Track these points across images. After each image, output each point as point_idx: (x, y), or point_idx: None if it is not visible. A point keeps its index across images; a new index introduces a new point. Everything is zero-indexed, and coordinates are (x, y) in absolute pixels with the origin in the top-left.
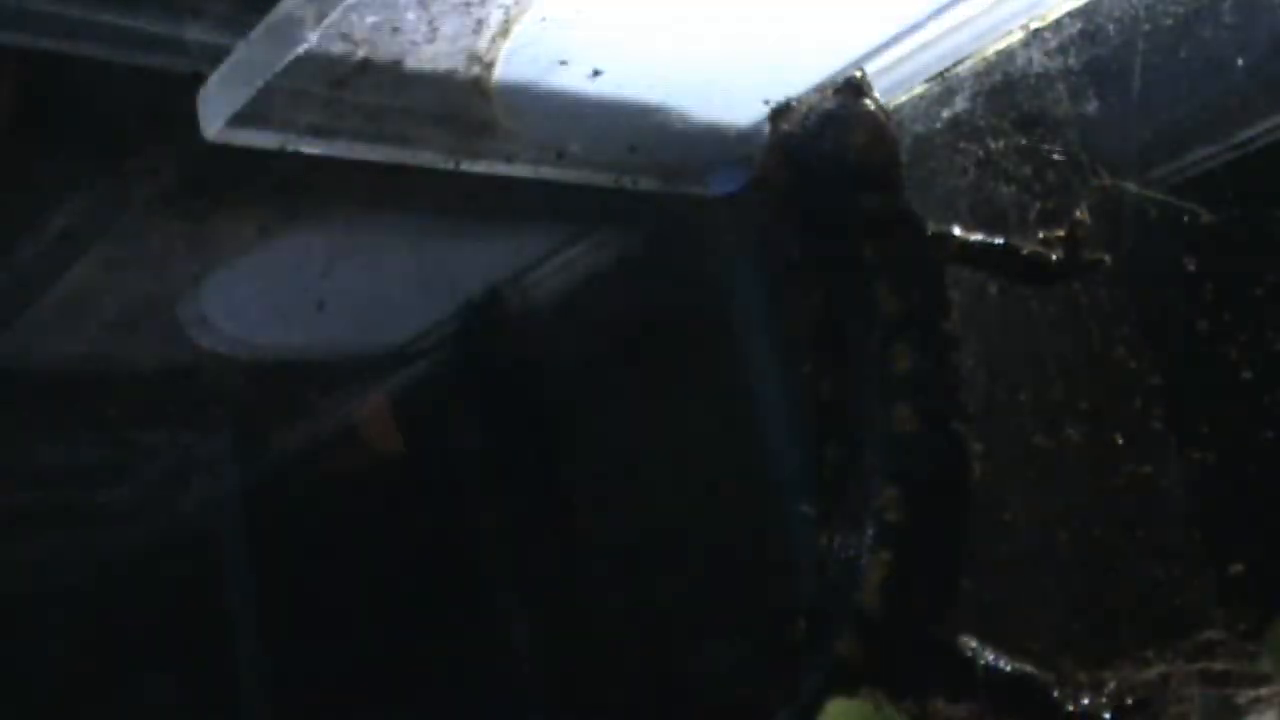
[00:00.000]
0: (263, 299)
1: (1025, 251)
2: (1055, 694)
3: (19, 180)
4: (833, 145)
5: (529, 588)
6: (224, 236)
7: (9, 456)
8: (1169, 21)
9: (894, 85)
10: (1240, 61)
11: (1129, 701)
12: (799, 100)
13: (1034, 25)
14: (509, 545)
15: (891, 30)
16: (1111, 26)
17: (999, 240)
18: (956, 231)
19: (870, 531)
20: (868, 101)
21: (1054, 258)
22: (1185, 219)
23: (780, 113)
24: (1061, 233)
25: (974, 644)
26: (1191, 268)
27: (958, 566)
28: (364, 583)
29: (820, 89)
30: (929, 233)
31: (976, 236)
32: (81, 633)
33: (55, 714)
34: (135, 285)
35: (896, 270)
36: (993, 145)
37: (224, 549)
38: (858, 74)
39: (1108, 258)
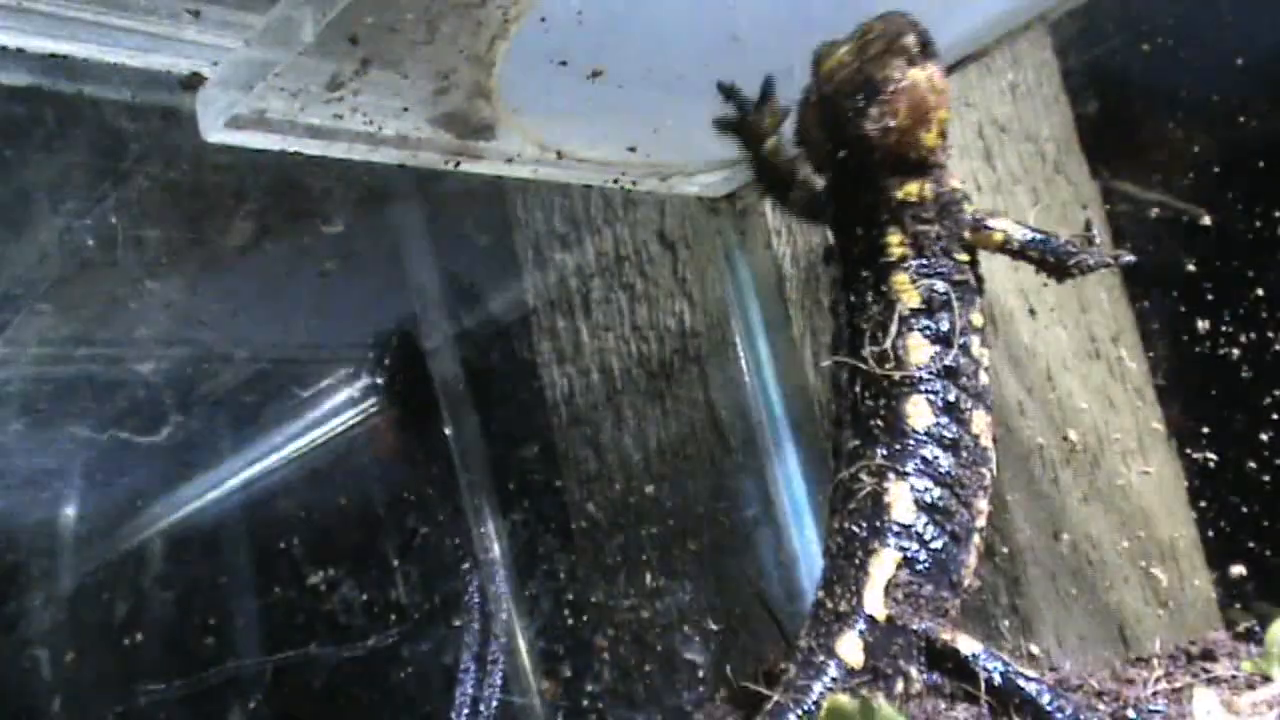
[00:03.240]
0: (262, 298)
1: (1061, 242)
2: (1054, 695)
3: (18, 181)
4: (872, 119)
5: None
6: (223, 237)
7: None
8: None
9: None
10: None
11: (1129, 703)
12: (847, 45)
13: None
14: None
15: None
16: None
17: (1037, 231)
18: (994, 219)
19: (878, 529)
20: (916, 71)
21: (1081, 250)
22: (1185, 218)
23: (824, 60)
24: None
25: (974, 645)
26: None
27: (963, 566)
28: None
29: (872, 34)
30: (966, 216)
31: (1012, 223)
32: None
33: None
34: (134, 286)
35: (921, 258)
36: None
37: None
38: (912, 33)
39: (1129, 254)
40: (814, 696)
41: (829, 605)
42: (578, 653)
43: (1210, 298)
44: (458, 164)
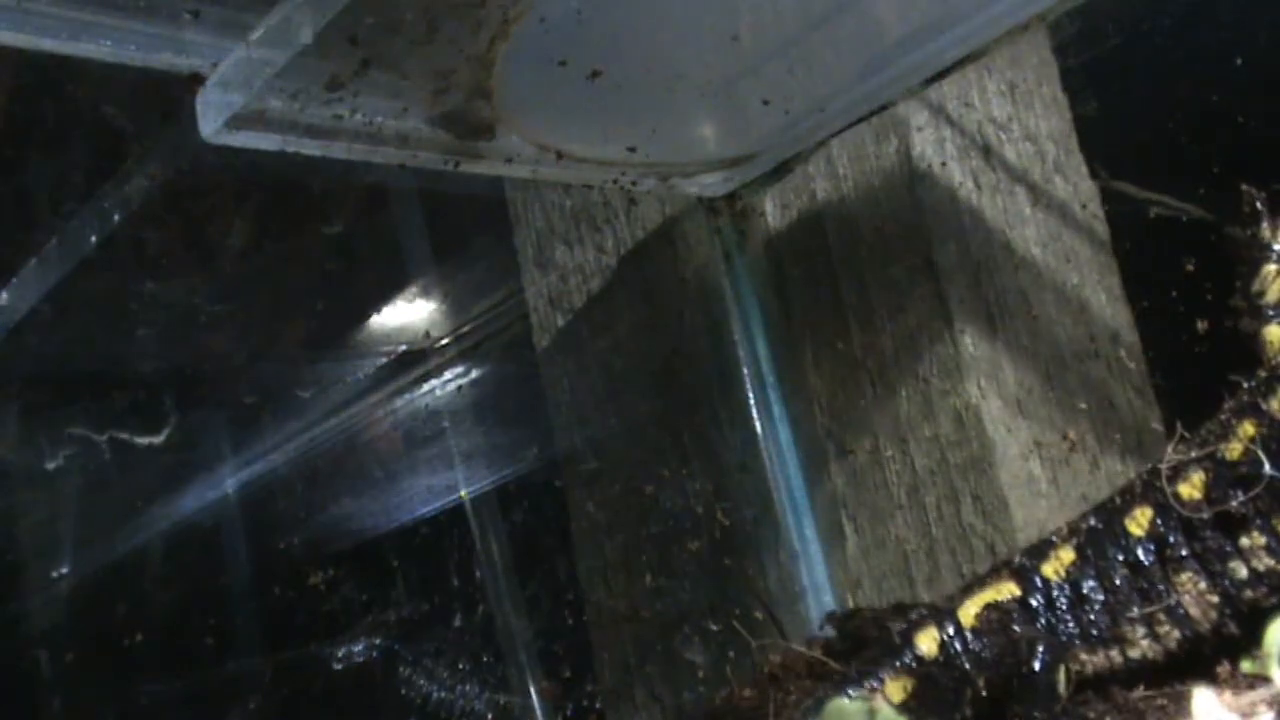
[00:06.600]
0: (262, 298)
1: None
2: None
3: (18, 181)
4: None
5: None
6: (223, 237)
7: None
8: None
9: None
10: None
11: (1128, 704)
12: None
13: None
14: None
15: (894, 36)
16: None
17: None
18: None
19: (1024, 569)
20: None
21: None
22: (1185, 218)
23: None
24: None
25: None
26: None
27: (1048, 653)
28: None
29: None
30: None
31: None
32: None
33: None
34: (134, 286)
35: None
36: None
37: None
38: None
39: None
40: (881, 673)
41: (939, 601)
42: (578, 653)
43: (1210, 298)
44: (458, 164)
